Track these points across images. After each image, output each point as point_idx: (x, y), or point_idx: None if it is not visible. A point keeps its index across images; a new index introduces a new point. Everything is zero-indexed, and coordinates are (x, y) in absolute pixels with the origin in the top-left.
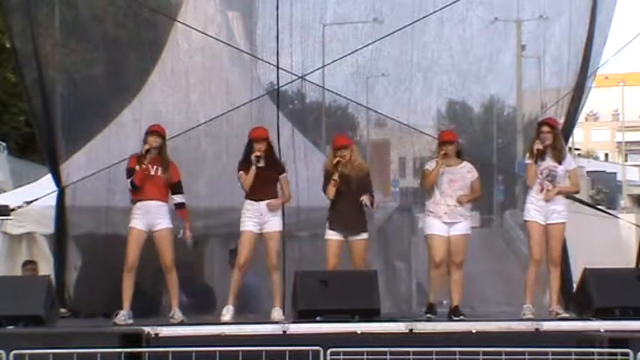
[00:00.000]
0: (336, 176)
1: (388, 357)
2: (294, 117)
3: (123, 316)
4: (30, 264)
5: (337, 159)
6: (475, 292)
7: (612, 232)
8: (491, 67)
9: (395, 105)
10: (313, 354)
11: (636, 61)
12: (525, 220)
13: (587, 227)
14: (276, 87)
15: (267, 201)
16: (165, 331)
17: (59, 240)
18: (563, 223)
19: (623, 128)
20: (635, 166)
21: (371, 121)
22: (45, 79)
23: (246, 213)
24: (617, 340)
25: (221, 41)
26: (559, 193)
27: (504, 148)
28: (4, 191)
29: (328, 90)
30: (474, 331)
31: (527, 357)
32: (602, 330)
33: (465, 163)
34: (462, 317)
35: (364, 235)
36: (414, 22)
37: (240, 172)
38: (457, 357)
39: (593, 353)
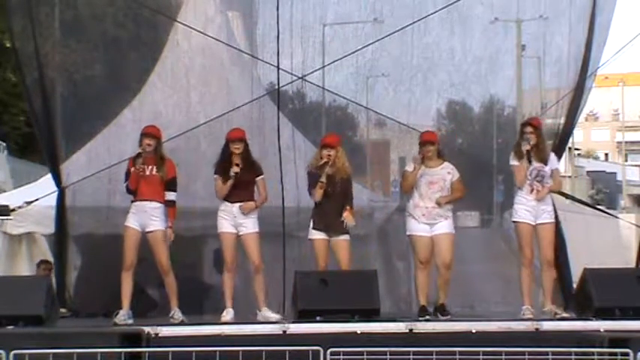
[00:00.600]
0: (323, 178)
1: (388, 357)
2: (294, 117)
3: (123, 316)
4: (45, 263)
5: (324, 160)
6: (475, 292)
7: (612, 232)
8: (491, 67)
9: (395, 105)
10: (313, 354)
11: (636, 61)
12: (514, 221)
13: (587, 227)
14: (276, 87)
15: (240, 204)
16: (165, 331)
17: (59, 240)
18: (552, 222)
19: (623, 128)
20: (635, 166)
21: (371, 121)
22: (45, 79)
23: (220, 214)
24: (617, 340)
25: (221, 41)
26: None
27: (504, 148)
28: (4, 191)
29: (328, 90)
30: (473, 331)
31: (527, 357)
32: (602, 330)
33: (445, 163)
34: (449, 316)
35: (346, 237)
36: (414, 22)
37: (216, 175)
38: (457, 357)
39: (593, 353)
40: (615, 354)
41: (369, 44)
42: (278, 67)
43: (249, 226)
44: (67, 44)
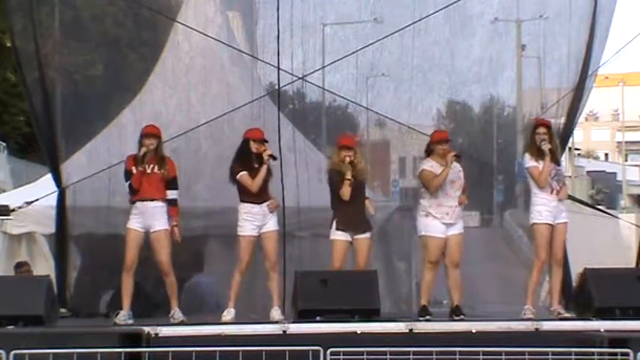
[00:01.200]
0: (349, 175)
1: (388, 357)
2: (294, 117)
3: (123, 316)
4: (24, 265)
5: (349, 158)
6: (475, 292)
7: (612, 232)
8: (491, 67)
9: (395, 105)
10: (313, 354)
11: (636, 61)
12: (534, 223)
13: (587, 227)
14: (276, 87)
15: (267, 202)
16: (165, 331)
17: (59, 240)
18: (567, 222)
19: (623, 128)
20: (635, 166)
21: (371, 121)
22: (45, 79)
23: (246, 217)
24: (617, 340)
25: (221, 42)
26: None
27: (504, 148)
28: (4, 191)
29: (328, 90)
30: (474, 331)
31: (527, 357)
32: (602, 330)
33: (455, 162)
34: (462, 317)
35: (368, 235)
36: (414, 22)
37: (243, 172)
38: (457, 357)
39: (593, 353)
40: (615, 354)
41: (369, 44)
42: (278, 68)
43: (271, 224)
44: (67, 44)
